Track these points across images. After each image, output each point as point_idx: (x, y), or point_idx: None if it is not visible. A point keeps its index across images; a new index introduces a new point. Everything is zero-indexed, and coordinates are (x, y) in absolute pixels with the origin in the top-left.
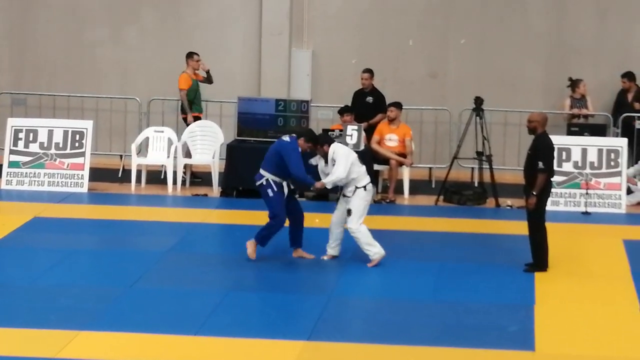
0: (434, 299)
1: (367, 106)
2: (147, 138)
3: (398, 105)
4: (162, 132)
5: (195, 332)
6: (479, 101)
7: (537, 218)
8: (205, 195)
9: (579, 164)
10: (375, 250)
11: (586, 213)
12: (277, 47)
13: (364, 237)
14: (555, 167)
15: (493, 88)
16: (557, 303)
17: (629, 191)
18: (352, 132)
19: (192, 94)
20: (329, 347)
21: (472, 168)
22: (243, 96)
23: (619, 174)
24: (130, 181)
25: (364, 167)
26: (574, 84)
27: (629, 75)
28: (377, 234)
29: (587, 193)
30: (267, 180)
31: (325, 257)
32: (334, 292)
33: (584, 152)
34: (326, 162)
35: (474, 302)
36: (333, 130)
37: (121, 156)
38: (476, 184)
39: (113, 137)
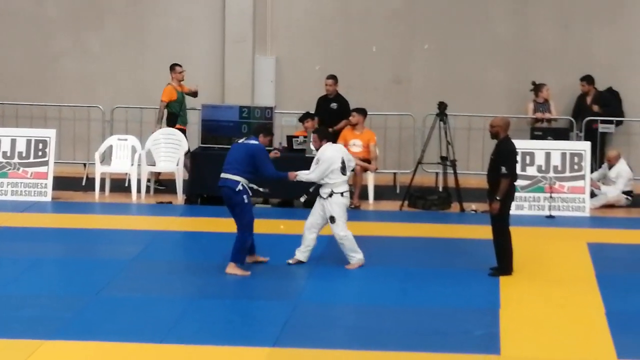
0: (399, 304)
1: (332, 112)
2: (111, 146)
3: (361, 111)
4: (126, 140)
5: (160, 340)
6: (442, 106)
7: (501, 222)
8: (170, 202)
9: (543, 168)
10: (358, 257)
11: (550, 217)
12: (240, 55)
13: (350, 244)
14: (519, 172)
15: (457, 93)
16: (522, 306)
17: (593, 194)
18: None
19: (177, 107)
20: (294, 353)
21: (437, 173)
22: (207, 103)
23: (582, 177)
24: (94, 189)
25: (345, 177)
26: (537, 88)
27: (587, 79)
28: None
29: (551, 197)
30: (243, 185)
31: (290, 261)
32: (299, 298)
33: (548, 156)
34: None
35: (439, 306)
36: (297, 137)
37: (85, 164)
38: (440, 189)
39: (76, 146)
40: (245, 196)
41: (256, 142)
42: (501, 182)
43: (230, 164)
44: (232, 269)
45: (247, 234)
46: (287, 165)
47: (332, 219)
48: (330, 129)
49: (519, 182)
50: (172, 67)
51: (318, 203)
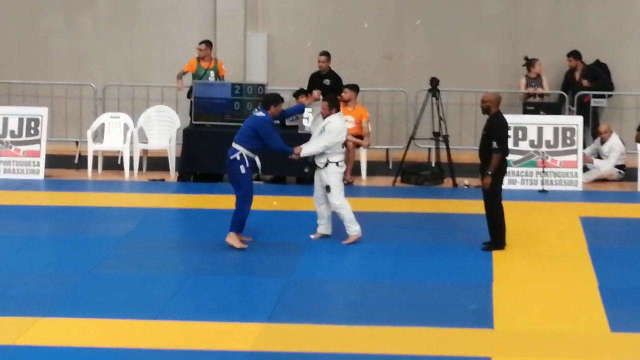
0: (392, 279)
1: (325, 89)
2: (103, 124)
3: (353, 87)
4: (118, 117)
5: (155, 317)
6: (434, 82)
7: (493, 197)
8: (163, 180)
9: (535, 143)
10: (355, 228)
11: (543, 191)
12: (232, 32)
13: (347, 214)
14: (512, 146)
15: (449, 69)
16: (515, 281)
17: (585, 169)
18: (309, 114)
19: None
20: (288, 328)
21: (429, 148)
22: (199, 81)
23: (574, 151)
24: (86, 167)
25: (344, 149)
26: (529, 63)
27: (574, 54)
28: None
29: (543, 171)
30: (240, 155)
31: (313, 236)
32: (293, 274)
33: (540, 130)
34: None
35: (433, 281)
36: None
37: (77, 142)
38: (433, 164)
39: (69, 124)
40: (241, 166)
41: (262, 115)
42: (492, 157)
43: (237, 134)
44: (230, 238)
45: (243, 205)
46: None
47: (327, 188)
48: None
49: (511, 157)
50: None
51: (316, 174)
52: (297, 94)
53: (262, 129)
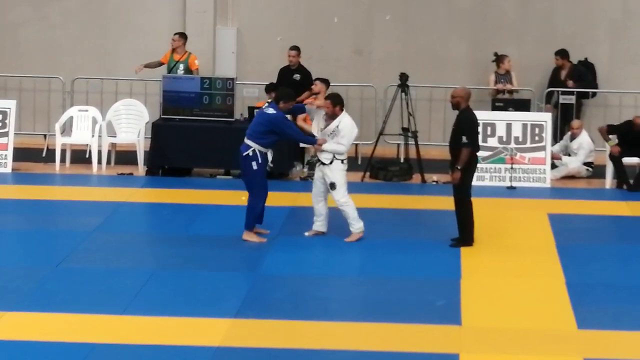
0: (360, 275)
1: (295, 83)
2: (72, 117)
3: (323, 81)
4: (87, 111)
5: (122, 312)
6: (404, 77)
7: (462, 193)
8: (131, 174)
9: (504, 139)
10: (359, 226)
11: (511, 187)
12: (201, 25)
13: (352, 211)
14: (481, 142)
15: (418, 64)
16: (483, 277)
17: (554, 166)
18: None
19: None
20: (256, 324)
21: (398, 144)
22: (168, 74)
23: (543, 148)
24: (54, 161)
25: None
26: (499, 59)
27: (561, 53)
28: (304, 211)
29: (512, 168)
30: (253, 151)
31: (307, 233)
32: (261, 269)
33: (509, 127)
34: (330, 118)
35: (401, 277)
36: (259, 108)
37: (45, 136)
38: (402, 160)
39: (37, 117)
40: (254, 162)
41: (274, 111)
42: (462, 152)
43: (249, 129)
44: (246, 235)
45: (256, 200)
46: None
47: (332, 185)
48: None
49: (480, 153)
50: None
51: (318, 171)
52: (269, 88)
53: (279, 125)
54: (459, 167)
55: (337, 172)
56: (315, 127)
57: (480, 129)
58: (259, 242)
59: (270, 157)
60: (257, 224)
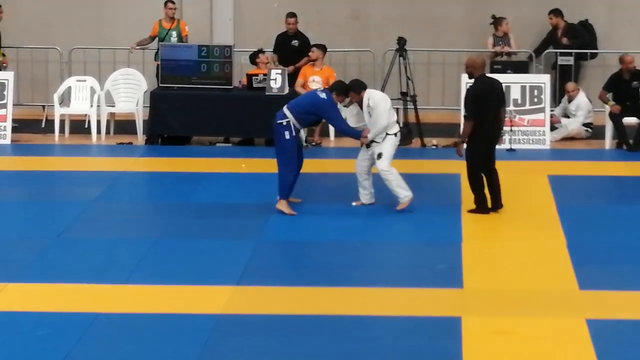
0: (361, 240)
1: (293, 50)
2: (70, 88)
3: (320, 47)
4: (85, 81)
5: (124, 281)
6: (401, 42)
7: (469, 163)
8: (130, 143)
9: None
10: (405, 193)
11: (511, 150)
12: None
13: (395, 179)
14: None
15: (415, 28)
16: (483, 240)
17: (553, 127)
18: (276, 75)
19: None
20: (258, 291)
21: (397, 109)
22: (165, 43)
23: (542, 110)
24: (53, 132)
25: (395, 115)
26: (496, 22)
27: (555, 12)
28: (304, 177)
29: (511, 130)
30: (288, 122)
31: (355, 203)
32: (262, 236)
33: (507, 89)
34: (361, 107)
35: (401, 241)
36: (257, 75)
37: (44, 107)
38: (401, 125)
39: (35, 88)
40: (287, 132)
41: (325, 97)
42: (464, 124)
43: (292, 101)
44: (279, 204)
45: (285, 170)
46: (248, 104)
47: (379, 155)
48: (292, 67)
49: None
50: (165, 3)
51: (364, 148)
52: (253, 56)
53: (327, 111)
54: (460, 140)
55: (387, 144)
56: (350, 118)
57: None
58: (289, 214)
59: (303, 136)
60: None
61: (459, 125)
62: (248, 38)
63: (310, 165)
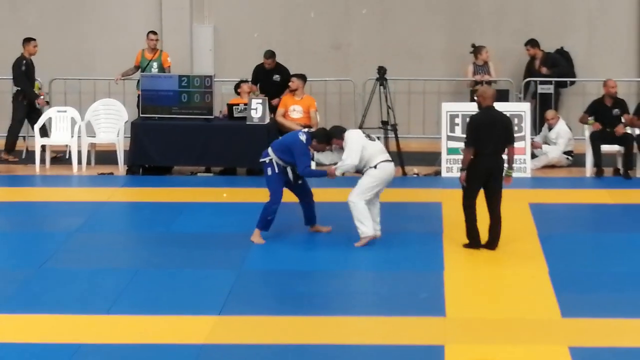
0: (343, 268)
1: (276, 84)
2: (50, 118)
3: (300, 77)
4: (65, 112)
5: (106, 311)
6: (382, 71)
7: (463, 192)
8: (111, 173)
9: None
10: (364, 230)
11: None
12: (178, 23)
13: (357, 212)
14: (460, 134)
15: (396, 57)
16: (466, 268)
17: (534, 155)
18: (257, 105)
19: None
20: (241, 320)
21: (378, 137)
22: (146, 73)
23: (523, 138)
24: (34, 162)
25: (377, 146)
26: (476, 50)
27: (531, 42)
28: (281, 207)
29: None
30: (270, 160)
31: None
32: (243, 266)
33: None
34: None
35: (383, 270)
36: (237, 105)
37: (24, 137)
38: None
39: None
40: (269, 169)
41: (303, 139)
42: (463, 152)
43: (275, 141)
44: (253, 236)
45: (269, 203)
46: (229, 134)
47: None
48: (277, 99)
49: (460, 145)
50: (147, 34)
51: None
52: (237, 86)
53: (296, 151)
54: (461, 168)
55: (366, 177)
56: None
57: (459, 120)
58: (258, 243)
59: (290, 174)
60: (313, 223)
61: (439, 153)
62: (228, 68)
63: (290, 194)
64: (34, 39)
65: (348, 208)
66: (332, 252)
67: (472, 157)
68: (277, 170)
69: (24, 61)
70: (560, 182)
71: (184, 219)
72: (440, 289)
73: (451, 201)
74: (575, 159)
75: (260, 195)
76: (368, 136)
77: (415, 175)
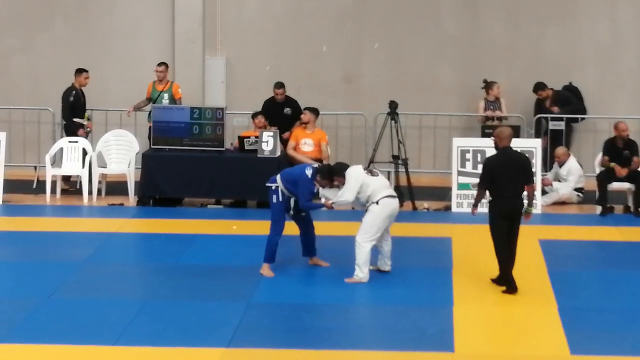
0: (353, 303)
1: (287, 118)
2: (62, 149)
3: (312, 110)
4: (77, 142)
5: (114, 342)
6: (393, 105)
7: (493, 241)
8: (122, 204)
9: None
10: (360, 275)
11: None
12: (190, 55)
13: (359, 257)
14: (471, 170)
15: (407, 91)
16: (475, 304)
17: (544, 192)
18: (268, 138)
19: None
20: (249, 353)
21: (389, 172)
22: (157, 105)
23: (534, 174)
24: (45, 192)
25: (380, 181)
26: (488, 86)
27: (539, 87)
28: (290, 239)
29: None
30: (277, 187)
31: (371, 267)
32: (252, 298)
33: None
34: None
35: (392, 305)
36: (249, 137)
37: (35, 167)
38: (392, 188)
39: (27, 148)
40: (274, 196)
41: (309, 174)
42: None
43: (284, 170)
44: (262, 269)
45: (271, 234)
46: (240, 166)
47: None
48: (288, 133)
49: (470, 180)
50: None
51: None
52: (255, 115)
53: (300, 184)
54: (473, 204)
55: (368, 214)
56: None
57: (470, 156)
58: (267, 276)
59: (292, 205)
60: (312, 255)
61: (450, 188)
62: (240, 100)
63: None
64: (86, 70)
65: (355, 247)
66: (340, 285)
67: (491, 199)
68: (280, 199)
69: (74, 92)
70: (570, 219)
71: (194, 251)
72: (449, 324)
73: (461, 236)
74: (585, 196)
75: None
76: (370, 172)
77: (425, 210)
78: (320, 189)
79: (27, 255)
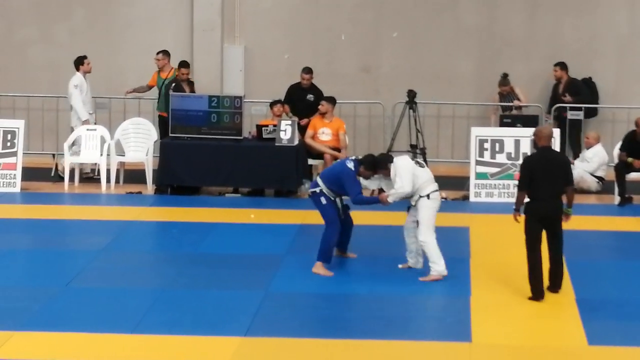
0: (369, 292)
1: (310, 104)
2: (80, 137)
3: (330, 100)
4: (95, 130)
5: (131, 330)
6: (411, 94)
7: (526, 242)
8: (140, 192)
9: (512, 155)
10: (437, 269)
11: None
12: (209, 44)
13: (429, 251)
14: (489, 159)
15: (426, 81)
16: (492, 294)
17: None
18: (286, 127)
19: (158, 92)
20: (266, 342)
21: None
22: (176, 93)
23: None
24: (63, 180)
25: (428, 173)
26: (501, 82)
27: (560, 65)
28: (313, 229)
29: None
30: (320, 190)
31: (401, 266)
32: (270, 287)
33: (517, 143)
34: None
35: (409, 294)
36: (267, 126)
37: (54, 155)
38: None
39: (45, 136)
40: (322, 198)
41: (351, 167)
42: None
43: (325, 170)
44: (316, 268)
45: (329, 233)
46: (257, 155)
47: (417, 223)
48: (307, 119)
49: (488, 170)
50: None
51: (412, 208)
52: (273, 103)
53: (345, 180)
54: (514, 208)
55: (422, 210)
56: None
57: (488, 145)
58: (325, 275)
59: (339, 204)
60: (343, 249)
61: (468, 178)
62: (258, 89)
63: (318, 218)
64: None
65: (422, 249)
66: (358, 275)
67: (528, 200)
68: (329, 202)
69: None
70: (588, 209)
71: (211, 240)
72: (466, 314)
73: (479, 226)
74: (605, 186)
75: (287, 216)
76: (417, 162)
77: (443, 200)
78: (361, 179)
79: (45, 243)
